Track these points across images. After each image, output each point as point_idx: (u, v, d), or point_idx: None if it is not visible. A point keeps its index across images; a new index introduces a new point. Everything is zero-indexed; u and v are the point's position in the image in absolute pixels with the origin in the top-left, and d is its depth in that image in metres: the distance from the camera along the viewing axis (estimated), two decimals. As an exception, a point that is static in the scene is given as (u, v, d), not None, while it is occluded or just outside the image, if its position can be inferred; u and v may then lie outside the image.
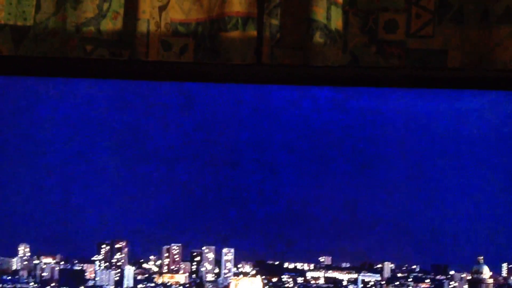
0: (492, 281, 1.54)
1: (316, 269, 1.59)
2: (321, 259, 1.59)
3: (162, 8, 1.99)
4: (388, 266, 1.57)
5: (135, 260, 1.65)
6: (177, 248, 1.63)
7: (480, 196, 1.55)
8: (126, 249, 1.64)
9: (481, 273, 1.54)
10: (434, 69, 1.82)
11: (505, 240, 1.54)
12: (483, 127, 1.58)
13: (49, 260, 1.63)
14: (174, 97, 1.66)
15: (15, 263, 1.64)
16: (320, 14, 1.89)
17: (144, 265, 1.64)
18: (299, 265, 1.59)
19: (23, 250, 1.64)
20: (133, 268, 1.63)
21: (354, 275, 1.58)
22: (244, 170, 1.61)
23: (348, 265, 1.59)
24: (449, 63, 1.89)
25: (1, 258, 1.65)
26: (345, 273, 1.57)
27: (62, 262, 1.64)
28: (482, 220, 1.55)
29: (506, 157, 1.56)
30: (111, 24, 1.99)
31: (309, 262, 1.59)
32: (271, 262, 1.60)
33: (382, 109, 1.62)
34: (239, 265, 1.62)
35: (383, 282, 1.57)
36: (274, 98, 1.65)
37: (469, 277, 1.55)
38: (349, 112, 1.62)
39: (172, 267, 1.63)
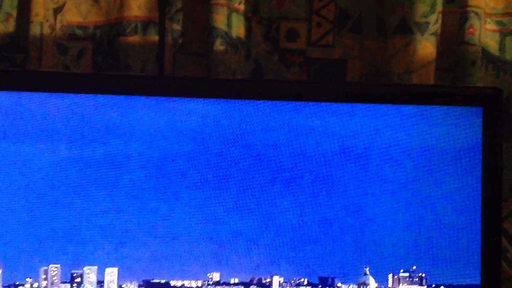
0: (377, 292, 1.60)
1: (204, 286, 1.57)
2: (209, 275, 1.58)
3: (57, 10, 1.91)
4: (277, 280, 1.59)
5: (9, 283, 1.56)
6: (56, 269, 1.57)
7: (366, 208, 1.59)
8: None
9: (367, 284, 1.59)
10: (332, 83, 1.85)
11: (391, 250, 1.59)
12: (376, 141, 1.62)
13: None
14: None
15: None
16: (220, 21, 1.87)
17: (20, 288, 1.57)
18: (186, 283, 1.57)
19: None
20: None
21: (243, 291, 1.58)
22: (135, 187, 1.58)
23: (236, 280, 1.59)
24: (348, 73, 1.93)
25: None
26: (234, 289, 1.57)
27: None
28: (368, 231, 1.59)
29: (394, 171, 1.60)
30: (2, 26, 1.90)
31: (197, 279, 1.57)
32: (157, 280, 1.57)
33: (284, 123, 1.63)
34: (124, 285, 1.58)
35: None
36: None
37: (355, 289, 1.59)
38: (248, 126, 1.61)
39: (50, 290, 1.57)
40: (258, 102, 1.60)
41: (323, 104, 1.61)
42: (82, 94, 1.57)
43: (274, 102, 1.60)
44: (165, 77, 1.84)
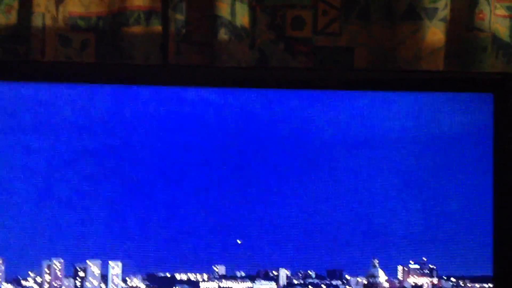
0: (388, 285, 1.56)
1: (209, 279, 1.55)
2: (215, 268, 1.55)
3: (59, 1, 1.88)
4: (284, 273, 1.55)
5: (12, 278, 1.54)
6: (59, 263, 1.54)
7: (374, 198, 1.55)
8: (2, 267, 1.53)
9: (376, 276, 1.55)
10: (340, 70, 1.81)
11: (400, 242, 1.55)
12: (380, 129, 1.58)
13: None
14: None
15: None
16: (224, 10, 1.84)
17: (23, 283, 1.53)
18: (192, 276, 1.55)
19: None
20: (11, 287, 1.53)
21: (249, 284, 1.55)
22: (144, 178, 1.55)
23: (242, 273, 1.55)
24: (356, 61, 1.89)
25: None
26: (240, 282, 1.54)
27: None
28: (377, 222, 1.55)
29: (402, 160, 1.56)
30: (4, 18, 1.87)
31: (202, 273, 1.55)
32: (162, 274, 1.55)
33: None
34: (128, 279, 1.55)
35: (279, 290, 1.56)
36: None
37: (364, 281, 1.56)
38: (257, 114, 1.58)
39: (53, 284, 1.54)
40: (263, 90, 1.57)
41: (330, 92, 1.57)
42: (86, 84, 1.55)
43: (280, 90, 1.57)
44: (170, 66, 1.81)
